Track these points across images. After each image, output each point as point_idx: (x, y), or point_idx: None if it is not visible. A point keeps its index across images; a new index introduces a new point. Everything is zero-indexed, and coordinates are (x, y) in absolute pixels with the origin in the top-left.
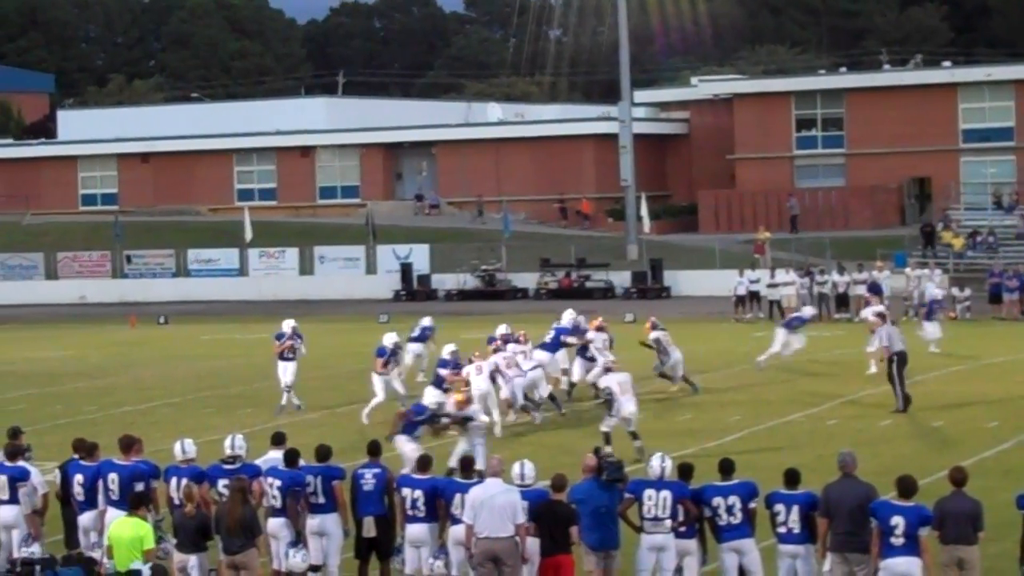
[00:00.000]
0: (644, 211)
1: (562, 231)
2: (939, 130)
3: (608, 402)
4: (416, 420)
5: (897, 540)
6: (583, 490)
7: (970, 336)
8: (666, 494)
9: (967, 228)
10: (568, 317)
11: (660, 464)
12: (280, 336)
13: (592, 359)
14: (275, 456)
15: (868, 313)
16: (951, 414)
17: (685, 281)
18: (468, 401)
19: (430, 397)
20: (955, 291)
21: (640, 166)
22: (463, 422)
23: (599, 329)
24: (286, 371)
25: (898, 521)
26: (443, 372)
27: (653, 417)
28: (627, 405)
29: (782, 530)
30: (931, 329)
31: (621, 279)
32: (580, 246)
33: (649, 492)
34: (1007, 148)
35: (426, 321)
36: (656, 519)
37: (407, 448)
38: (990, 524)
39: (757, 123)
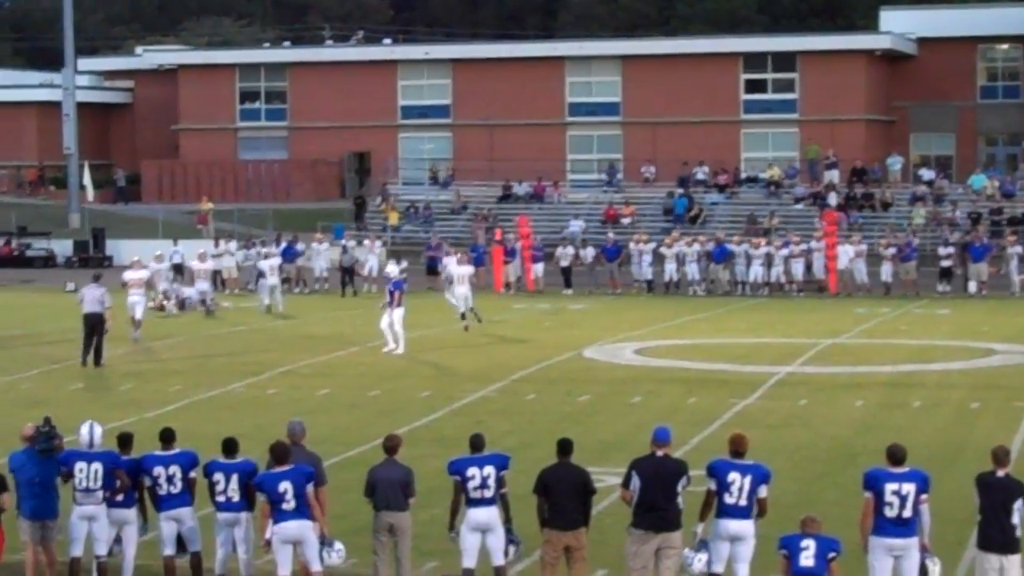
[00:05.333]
0: (87, 180)
1: (1, 199)
2: (379, 106)
3: None
4: None
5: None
6: (19, 460)
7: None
8: (97, 465)
9: (405, 202)
10: None
11: (89, 433)
12: None
13: None
14: None
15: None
16: (387, 384)
17: (127, 250)
18: None
19: None
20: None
21: (83, 135)
22: None
23: None
24: None
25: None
26: None
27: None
28: None
29: (221, 499)
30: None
31: (63, 248)
32: (21, 214)
33: (80, 464)
34: (444, 125)
35: None
36: (88, 490)
37: None
38: (422, 491)
39: (201, 94)
